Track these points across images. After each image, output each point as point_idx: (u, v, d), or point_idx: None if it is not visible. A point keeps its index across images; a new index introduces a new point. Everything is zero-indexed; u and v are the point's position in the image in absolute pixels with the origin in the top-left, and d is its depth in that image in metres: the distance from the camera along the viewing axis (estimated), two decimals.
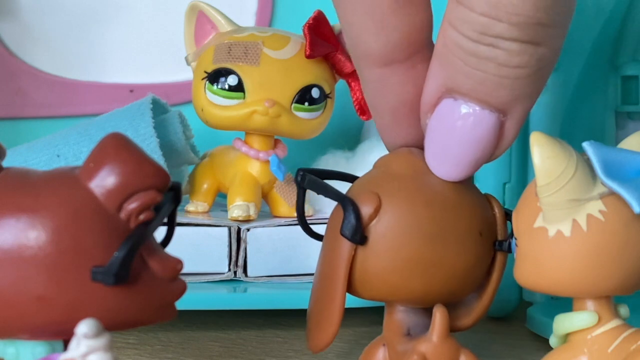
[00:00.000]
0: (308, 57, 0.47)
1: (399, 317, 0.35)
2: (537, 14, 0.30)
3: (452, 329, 0.35)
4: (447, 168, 0.33)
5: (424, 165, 0.34)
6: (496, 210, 0.35)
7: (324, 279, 0.35)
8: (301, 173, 0.36)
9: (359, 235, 0.33)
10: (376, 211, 0.33)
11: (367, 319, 0.46)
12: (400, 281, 0.33)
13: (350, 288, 0.34)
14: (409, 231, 0.33)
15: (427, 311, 0.34)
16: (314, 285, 0.36)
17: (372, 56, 0.34)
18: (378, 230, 0.33)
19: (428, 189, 0.34)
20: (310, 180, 0.35)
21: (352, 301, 0.35)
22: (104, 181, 0.28)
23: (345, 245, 0.33)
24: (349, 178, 0.36)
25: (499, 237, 0.35)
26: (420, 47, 0.34)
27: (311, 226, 0.37)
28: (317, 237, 0.37)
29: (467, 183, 0.34)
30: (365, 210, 0.33)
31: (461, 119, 0.32)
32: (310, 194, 0.40)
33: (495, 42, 0.30)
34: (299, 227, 0.37)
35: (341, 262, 0.33)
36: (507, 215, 0.35)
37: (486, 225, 0.34)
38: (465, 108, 0.32)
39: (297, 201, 0.36)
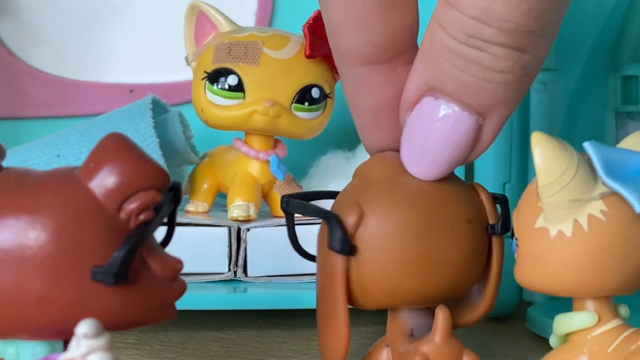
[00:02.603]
0: (308, 57, 0.47)
1: (402, 318, 0.35)
2: (527, 22, 0.30)
3: (457, 326, 0.35)
4: (423, 167, 0.33)
5: (400, 166, 0.34)
6: (482, 195, 0.35)
7: (324, 296, 0.35)
8: (285, 199, 0.36)
9: (347, 246, 0.33)
10: (360, 219, 0.33)
11: (368, 320, 0.46)
12: (396, 283, 0.33)
13: (352, 301, 0.34)
14: (394, 232, 0.33)
15: (431, 312, 0.34)
16: (317, 304, 0.36)
17: (352, 55, 0.34)
18: (365, 237, 0.33)
19: (407, 187, 0.34)
20: (295, 204, 0.36)
21: None
22: (104, 181, 0.28)
23: (337, 259, 0.33)
24: (335, 195, 0.36)
25: (490, 222, 0.35)
26: (403, 50, 0.34)
27: (307, 226, 0.37)
28: (312, 258, 0.37)
29: (447, 176, 0.34)
30: (349, 220, 0.33)
31: (440, 119, 0.32)
32: None
33: (482, 46, 0.30)
34: (299, 227, 0.37)
35: (337, 276, 0.33)
36: (496, 199, 0.35)
37: (474, 212, 0.34)
38: (445, 108, 0.32)
39: (287, 226, 0.37)
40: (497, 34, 0.30)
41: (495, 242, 0.35)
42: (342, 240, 0.33)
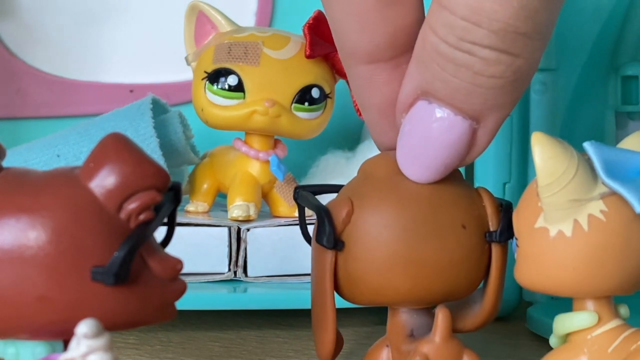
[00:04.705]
0: (308, 57, 0.47)
1: (402, 318, 0.35)
2: (517, 22, 0.29)
3: (457, 331, 0.34)
4: (417, 170, 0.33)
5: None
6: (485, 201, 0.35)
7: (315, 289, 0.35)
8: (297, 191, 0.37)
9: (332, 241, 0.33)
10: (348, 215, 0.33)
11: (368, 320, 0.46)
12: (382, 282, 0.33)
13: (343, 295, 0.34)
14: (382, 231, 0.33)
15: (431, 312, 0.34)
16: (311, 297, 0.36)
17: (356, 54, 0.34)
18: (353, 233, 0.33)
19: (401, 187, 0.34)
20: (302, 196, 0.36)
21: None
22: (104, 181, 0.28)
23: (326, 253, 0.34)
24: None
25: (491, 229, 0.34)
26: (407, 48, 0.33)
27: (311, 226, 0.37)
28: None
29: (448, 178, 0.34)
30: (338, 215, 0.33)
31: (434, 123, 0.32)
32: None
33: (472, 49, 0.30)
34: (298, 227, 0.37)
35: (325, 270, 0.34)
36: (502, 206, 0.35)
37: (471, 218, 0.34)
38: (440, 112, 0.32)
39: (299, 217, 0.37)
40: (487, 36, 0.30)
41: (495, 249, 0.34)
42: (327, 235, 0.33)
